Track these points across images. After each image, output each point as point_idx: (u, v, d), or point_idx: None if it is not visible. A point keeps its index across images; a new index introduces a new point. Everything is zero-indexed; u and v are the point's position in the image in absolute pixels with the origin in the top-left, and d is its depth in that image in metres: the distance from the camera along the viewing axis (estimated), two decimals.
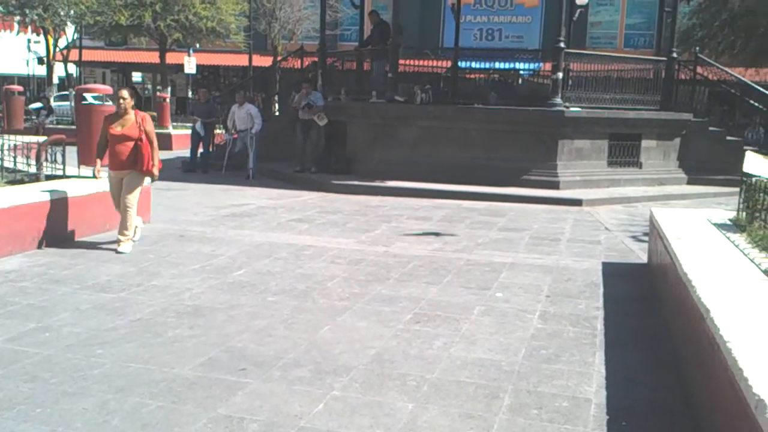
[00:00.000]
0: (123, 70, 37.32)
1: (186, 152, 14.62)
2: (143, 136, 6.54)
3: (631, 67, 13.59)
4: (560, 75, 11.90)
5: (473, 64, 16.98)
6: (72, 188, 6.96)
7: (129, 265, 6.08)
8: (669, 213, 6.42)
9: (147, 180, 6.86)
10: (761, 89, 13.92)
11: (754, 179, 5.34)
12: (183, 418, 3.25)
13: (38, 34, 27.49)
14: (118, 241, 6.59)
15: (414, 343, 4.33)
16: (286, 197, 10.71)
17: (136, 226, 6.85)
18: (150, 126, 6.68)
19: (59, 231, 6.76)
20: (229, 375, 3.75)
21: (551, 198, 10.82)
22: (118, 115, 6.62)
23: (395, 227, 8.39)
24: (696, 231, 5.36)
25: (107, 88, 10.60)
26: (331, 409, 3.38)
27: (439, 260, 6.63)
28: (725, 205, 8.00)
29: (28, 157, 7.65)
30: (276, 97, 18.48)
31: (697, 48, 17.62)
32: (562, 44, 11.86)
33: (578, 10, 15.03)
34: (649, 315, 5.09)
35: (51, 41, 26.46)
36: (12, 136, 8.53)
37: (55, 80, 28.43)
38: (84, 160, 8.42)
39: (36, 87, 38.77)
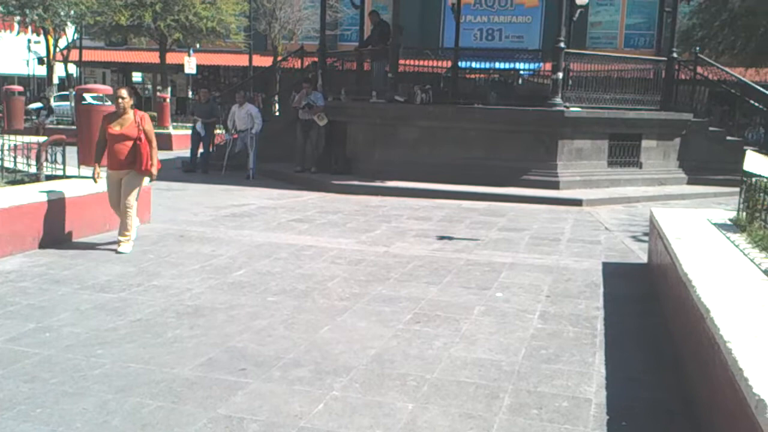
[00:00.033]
0: (123, 71, 37.32)
1: (186, 152, 14.63)
2: (142, 136, 6.52)
3: (631, 67, 13.59)
4: (560, 75, 11.90)
5: (473, 64, 16.98)
6: (72, 188, 6.96)
7: (129, 265, 6.08)
8: (669, 213, 6.42)
9: (146, 180, 6.86)
10: (761, 89, 13.92)
11: (754, 179, 5.34)
12: (183, 418, 3.25)
13: (38, 35, 27.50)
14: (118, 242, 6.59)
15: (414, 343, 4.33)
16: (286, 197, 10.71)
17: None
18: (149, 125, 6.66)
19: (59, 231, 6.76)
20: (229, 375, 3.75)
21: (551, 198, 10.82)
22: (117, 114, 6.60)
23: (395, 227, 8.39)
24: (696, 231, 5.36)
25: (107, 89, 10.59)
26: (331, 409, 3.38)
27: (439, 260, 6.63)
28: (725, 205, 7.99)
29: (28, 158, 7.65)
30: (276, 98, 18.48)
31: (697, 48, 17.60)
32: (562, 44, 11.86)
33: (578, 10, 14.98)
34: (649, 315, 5.09)
35: (51, 41, 26.47)
36: (12, 137, 8.53)
37: (56, 80, 28.43)
38: (84, 160, 8.42)
39: (36, 87, 38.79)
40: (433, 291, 5.53)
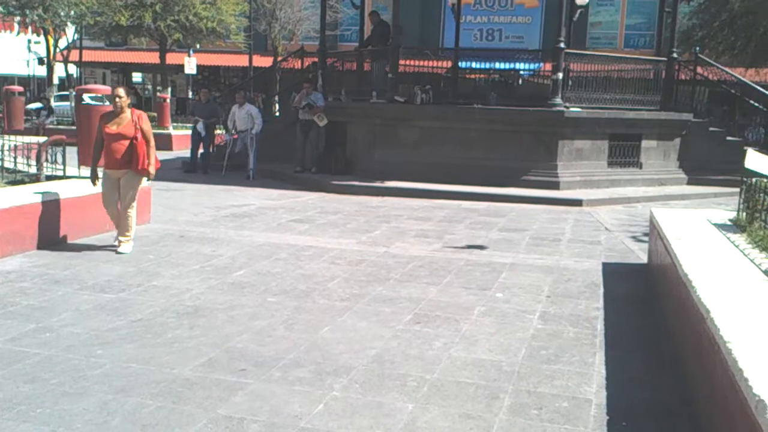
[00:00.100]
0: (123, 71, 37.31)
1: (186, 153, 14.62)
2: (138, 135, 6.50)
3: (631, 68, 13.59)
4: (560, 75, 11.91)
5: (473, 65, 16.97)
6: (72, 189, 6.96)
7: (129, 265, 6.08)
8: (669, 213, 6.42)
9: (144, 179, 6.84)
10: (761, 89, 13.92)
11: (754, 180, 5.34)
12: (183, 418, 3.25)
13: (38, 35, 27.50)
14: (118, 242, 6.59)
15: (414, 343, 4.33)
16: (287, 198, 10.71)
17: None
18: (146, 124, 6.63)
19: (59, 231, 6.76)
20: (230, 375, 3.75)
21: (551, 198, 10.82)
22: (114, 113, 6.59)
23: (395, 228, 8.39)
24: (696, 231, 5.36)
25: (107, 89, 10.56)
26: (331, 410, 3.38)
27: (439, 261, 6.63)
28: (725, 206, 7.99)
29: (28, 158, 7.65)
30: (276, 98, 18.49)
31: (697, 48, 17.60)
32: (562, 44, 11.87)
33: (578, 11, 15.01)
34: (649, 315, 5.09)
35: (51, 42, 26.47)
36: (12, 137, 8.53)
37: (56, 81, 28.43)
38: (84, 160, 8.39)
39: (36, 87, 38.79)
40: (433, 291, 5.53)
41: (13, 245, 6.22)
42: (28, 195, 6.50)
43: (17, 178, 7.40)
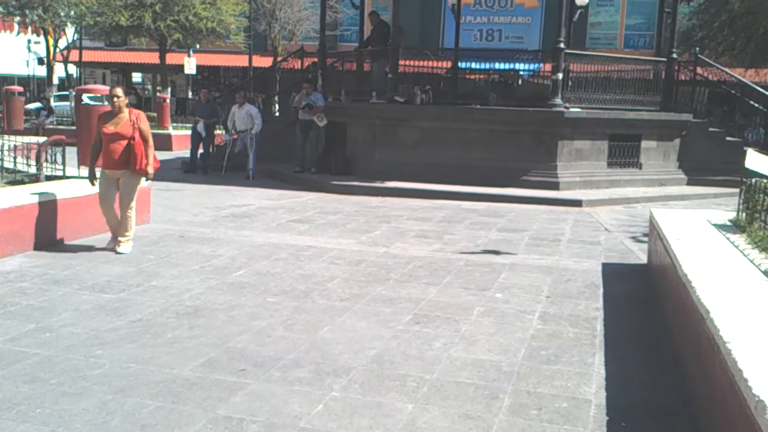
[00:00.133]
0: (123, 71, 37.31)
1: (186, 153, 14.63)
2: (136, 135, 6.48)
3: (631, 68, 13.60)
4: (560, 76, 11.91)
5: (473, 65, 16.97)
6: (71, 189, 6.96)
7: (128, 265, 6.08)
8: (669, 214, 6.42)
9: (143, 179, 6.83)
10: (761, 90, 13.92)
11: (754, 180, 5.34)
12: (183, 418, 3.25)
13: (38, 35, 27.51)
14: (117, 242, 6.59)
15: (414, 343, 4.33)
16: (286, 198, 10.71)
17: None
18: (145, 124, 6.62)
19: (59, 232, 6.76)
20: (229, 376, 3.75)
21: (551, 199, 10.82)
22: (112, 113, 6.58)
23: (395, 228, 8.39)
24: (696, 232, 5.36)
25: (107, 89, 10.57)
26: (330, 410, 3.38)
27: (439, 261, 6.63)
28: (725, 206, 8.00)
29: (28, 158, 7.65)
30: (276, 98, 18.49)
31: (697, 48, 17.59)
32: (562, 45, 11.87)
33: (578, 11, 15.02)
34: (649, 315, 5.09)
35: (51, 42, 26.46)
36: (12, 137, 8.53)
37: (55, 81, 28.43)
38: (84, 160, 8.40)
39: (36, 88, 38.80)
40: (433, 292, 5.53)
41: (12, 245, 6.22)
42: (28, 195, 6.49)
43: (17, 179, 7.39)
